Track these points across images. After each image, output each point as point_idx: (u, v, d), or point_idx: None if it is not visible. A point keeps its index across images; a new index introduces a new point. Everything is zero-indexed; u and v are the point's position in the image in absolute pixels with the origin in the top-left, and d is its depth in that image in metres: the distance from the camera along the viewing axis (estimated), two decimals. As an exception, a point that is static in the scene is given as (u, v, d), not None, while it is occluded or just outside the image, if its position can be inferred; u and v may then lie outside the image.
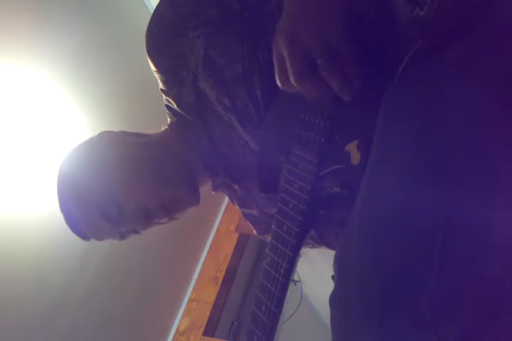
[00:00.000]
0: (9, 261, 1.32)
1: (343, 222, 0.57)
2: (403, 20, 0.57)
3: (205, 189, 0.96)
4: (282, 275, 0.62)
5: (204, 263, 2.29)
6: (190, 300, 2.18)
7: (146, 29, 0.86)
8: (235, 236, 2.37)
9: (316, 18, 0.55)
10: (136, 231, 0.89)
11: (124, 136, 0.91)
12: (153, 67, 0.88)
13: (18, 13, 1.41)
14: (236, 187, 0.93)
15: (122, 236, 0.89)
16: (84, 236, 0.88)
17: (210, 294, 2.18)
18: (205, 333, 2.08)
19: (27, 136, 1.40)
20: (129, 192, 0.84)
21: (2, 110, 1.33)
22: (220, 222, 2.43)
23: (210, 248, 2.34)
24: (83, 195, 0.84)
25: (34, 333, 1.42)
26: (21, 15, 1.42)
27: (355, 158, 0.59)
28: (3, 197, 1.32)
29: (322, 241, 0.87)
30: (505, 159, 0.44)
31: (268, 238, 0.91)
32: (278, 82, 0.59)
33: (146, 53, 0.87)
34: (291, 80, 0.57)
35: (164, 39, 0.84)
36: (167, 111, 0.93)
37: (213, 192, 0.98)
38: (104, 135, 0.92)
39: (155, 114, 1.09)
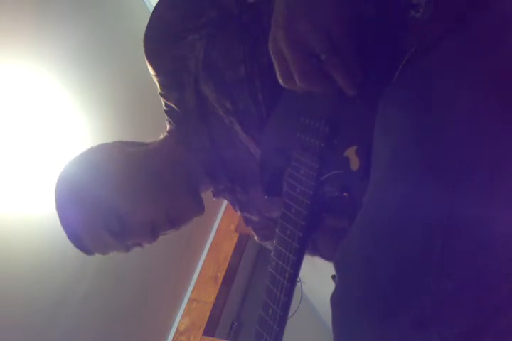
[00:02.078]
0: (9, 261, 1.32)
1: (336, 232, 0.57)
2: (399, 23, 0.57)
3: (206, 192, 0.95)
4: (287, 280, 0.63)
5: (204, 263, 2.29)
6: (190, 300, 2.18)
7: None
8: (235, 236, 2.37)
9: (316, 11, 0.55)
10: (140, 245, 0.88)
11: (122, 147, 0.90)
12: (152, 71, 0.87)
13: (18, 13, 1.41)
14: (238, 191, 0.92)
15: (127, 249, 0.88)
16: (88, 251, 0.87)
17: (210, 294, 2.19)
18: (205, 333, 2.08)
19: (27, 136, 1.40)
20: (132, 207, 0.83)
21: (2, 110, 1.33)
22: (220, 222, 2.43)
23: (210, 248, 2.34)
24: (86, 208, 0.83)
25: (34, 333, 1.42)
26: (21, 15, 1.42)
27: (355, 163, 0.60)
28: (3, 197, 1.32)
29: (315, 251, 0.87)
30: (505, 158, 0.44)
31: (268, 245, 0.91)
32: (280, 81, 0.58)
33: (144, 56, 0.86)
34: (296, 80, 0.56)
35: (163, 41, 0.83)
36: (166, 117, 0.92)
37: (214, 199, 0.97)
38: (102, 148, 0.90)
39: (155, 113, 1.09)
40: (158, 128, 0.94)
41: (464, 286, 0.42)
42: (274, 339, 0.62)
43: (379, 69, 0.57)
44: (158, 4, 0.84)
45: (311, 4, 0.55)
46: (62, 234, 0.85)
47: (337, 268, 0.54)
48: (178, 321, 2.11)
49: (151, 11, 0.84)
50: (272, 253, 0.67)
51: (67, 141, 1.50)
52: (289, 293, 0.62)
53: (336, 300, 0.53)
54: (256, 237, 0.99)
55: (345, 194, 0.63)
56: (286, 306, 0.62)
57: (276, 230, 0.67)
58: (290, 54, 0.55)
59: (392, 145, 0.52)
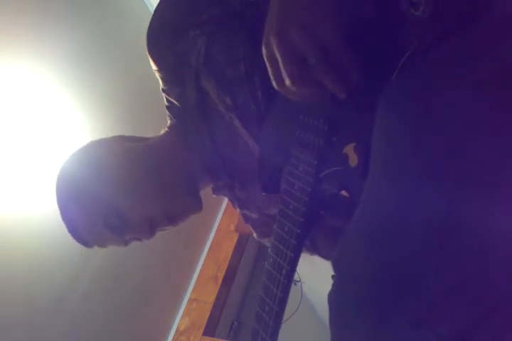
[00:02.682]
0: (9, 260, 1.32)
1: (335, 231, 0.57)
2: (399, 21, 0.57)
3: (205, 189, 0.95)
4: (284, 276, 0.63)
5: (204, 263, 2.29)
6: (190, 300, 2.18)
7: (146, 28, 0.85)
8: (235, 236, 2.37)
9: (309, 16, 0.55)
10: (139, 239, 0.88)
11: (122, 141, 0.90)
12: (154, 66, 0.88)
13: (18, 13, 1.41)
14: (237, 187, 0.92)
15: (126, 243, 0.89)
16: (87, 244, 0.88)
17: (210, 294, 2.19)
18: (205, 333, 2.08)
19: (27, 136, 1.40)
20: (132, 204, 0.83)
21: (2, 110, 1.33)
22: (220, 222, 2.43)
23: (210, 248, 2.34)
24: (86, 206, 0.84)
25: (34, 333, 1.42)
26: (21, 15, 1.42)
27: (353, 160, 0.60)
28: (3, 197, 1.32)
29: (314, 249, 0.88)
30: (505, 159, 0.44)
31: (267, 242, 0.92)
32: (274, 84, 0.59)
33: (147, 52, 0.87)
34: (287, 84, 0.57)
35: (165, 37, 0.84)
36: (167, 113, 0.92)
37: (214, 196, 0.97)
38: (102, 142, 0.90)
39: (155, 113, 1.09)
40: (158, 128, 0.94)
41: (462, 286, 0.42)
42: (270, 335, 0.62)
43: (379, 67, 0.57)
44: (160, 2, 0.84)
45: (305, 9, 0.55)
46: (62, 233, 0.85)
47: (335, 266, 0.54)
48: (178, 321, 2.11)
49: (151, 10, 0.85)
50: (269, 250, 0.67)
51: (67, 141, 1.50)
52: (285, 290, 0.62)
53: (334, 298, 0.53)
54: (255, 234, 0.99)
55: (343, 192, 0.63)
56: (282, 303, 0.62)
57: (274, 226, 0.67)
58: (282, 58, 0.56)
59: (392, 144, 0.52)
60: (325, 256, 0.89)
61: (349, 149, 0.61)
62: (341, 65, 0.55)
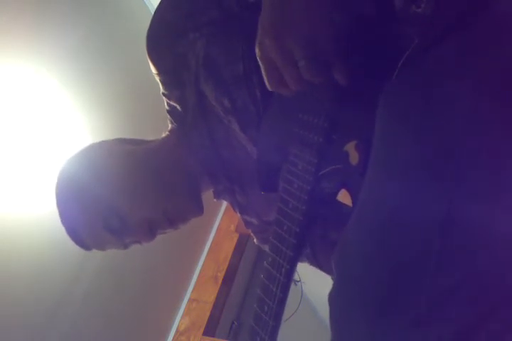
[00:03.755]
0: (9, 261, 1.32)
1: (335, 245, 0.57)
2: (400, 18, 0.57)
3: (206, 192, 0.95)
4: (283, 275, 0.62)
5: (204, 263, 2.29)
6: (190, 300, 2.18)
7: (146, 29, 0.85)
8: (235, 236, 2.37)
9: (304, 19, 0.55)
10: (139, 242, 0.88)
11: (123, 144, 0.90)
12: (153, 69, 0.87)
13: (18, 13, 1.41)
14: (237, 191, 0.92)
15: (126, 246, 0.88)
16: (86, 246, 0.87)
17: (210, 294, 2.19)
18: (205, 333, 2.08)
19: (27, 136, 1.40)
20: (131, 205, 0.83)
21: (2, 110, 1.33)
22: (220, 222, 2.43)
23: (210, 248, 2.34)
24: (87, 206, 0.84)
25: (34, 333, 1.42)
26: (21, 15, 1.42)
27: (354, 158, 0.59)
28: (3, 197, 1.32)
29: (316, 262, 0.87)
30: (505, 158, 0.44)
31: (267, 248, 0.91)
32: (269, 86, 0.59)
33: (146, 54, 0.86)
34: (291, 86, 0.57)
35: (165, 40, 0.84)
36: (168, 117, 0.92)
37: (215, 200, 0.97)
38: (103, 145, 0.90)
39: (155, 114, 1.09)
40: (159, 128, 0.94)
41: (462, 285, 0.42)
42: (270, 335, 0.61)
43: (379, 65, 0.57)
44: (160, 3, 0.84)
45: (299, 11, 0.55)
46: (62, 233, 0.85)
47: (335, 265, 0.54)
48: (178, 321, 2.11)
49: (152, 10, 0.85)
50: (267, 249, 0.66)
51: (67, 141, 1.50)
52: (285, 289, 0.62)
53: (334, 298, 0.52)
54: (255, 240, 0.99)
55: (342, 191, 0.62)
56: (282, 302, 0.61)
57: (273, 226, 0.67)
58: (280, 61, 0.56)
59: (392, 143, 0.52)
60: (327, 271, 0.87)
61: (350, 147, 0.60)
62: (332, 69, 0.56)
